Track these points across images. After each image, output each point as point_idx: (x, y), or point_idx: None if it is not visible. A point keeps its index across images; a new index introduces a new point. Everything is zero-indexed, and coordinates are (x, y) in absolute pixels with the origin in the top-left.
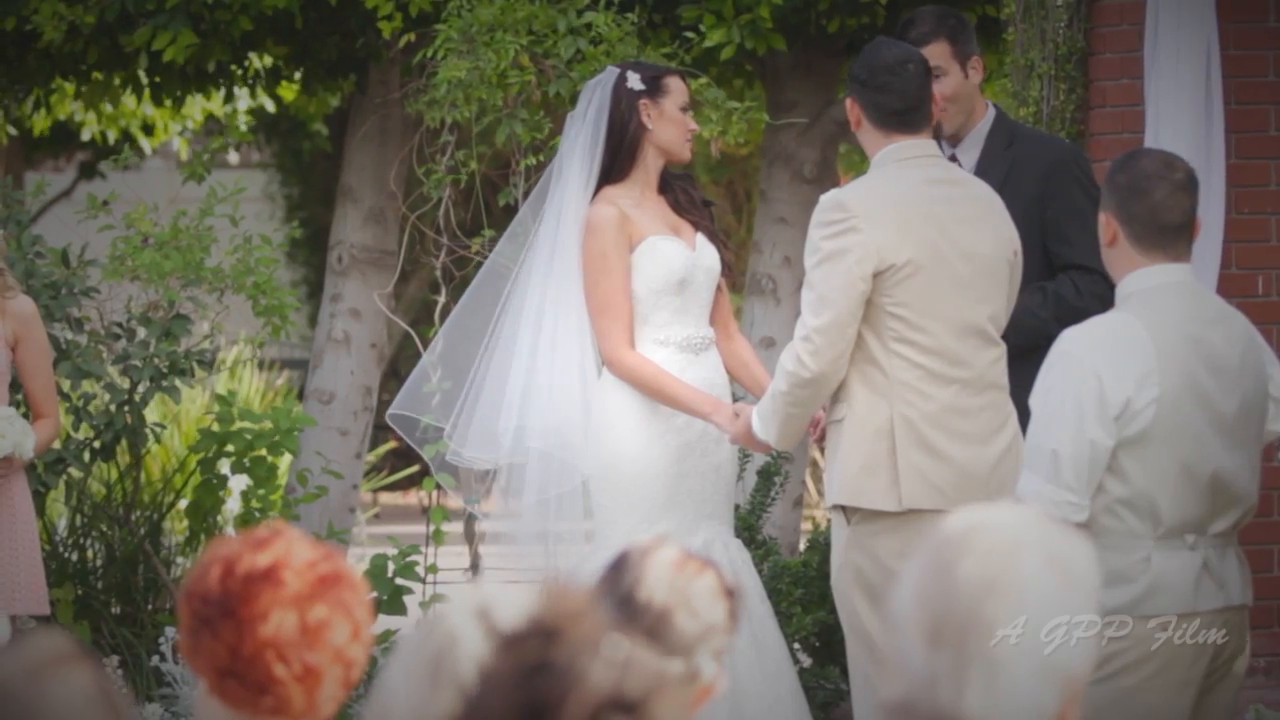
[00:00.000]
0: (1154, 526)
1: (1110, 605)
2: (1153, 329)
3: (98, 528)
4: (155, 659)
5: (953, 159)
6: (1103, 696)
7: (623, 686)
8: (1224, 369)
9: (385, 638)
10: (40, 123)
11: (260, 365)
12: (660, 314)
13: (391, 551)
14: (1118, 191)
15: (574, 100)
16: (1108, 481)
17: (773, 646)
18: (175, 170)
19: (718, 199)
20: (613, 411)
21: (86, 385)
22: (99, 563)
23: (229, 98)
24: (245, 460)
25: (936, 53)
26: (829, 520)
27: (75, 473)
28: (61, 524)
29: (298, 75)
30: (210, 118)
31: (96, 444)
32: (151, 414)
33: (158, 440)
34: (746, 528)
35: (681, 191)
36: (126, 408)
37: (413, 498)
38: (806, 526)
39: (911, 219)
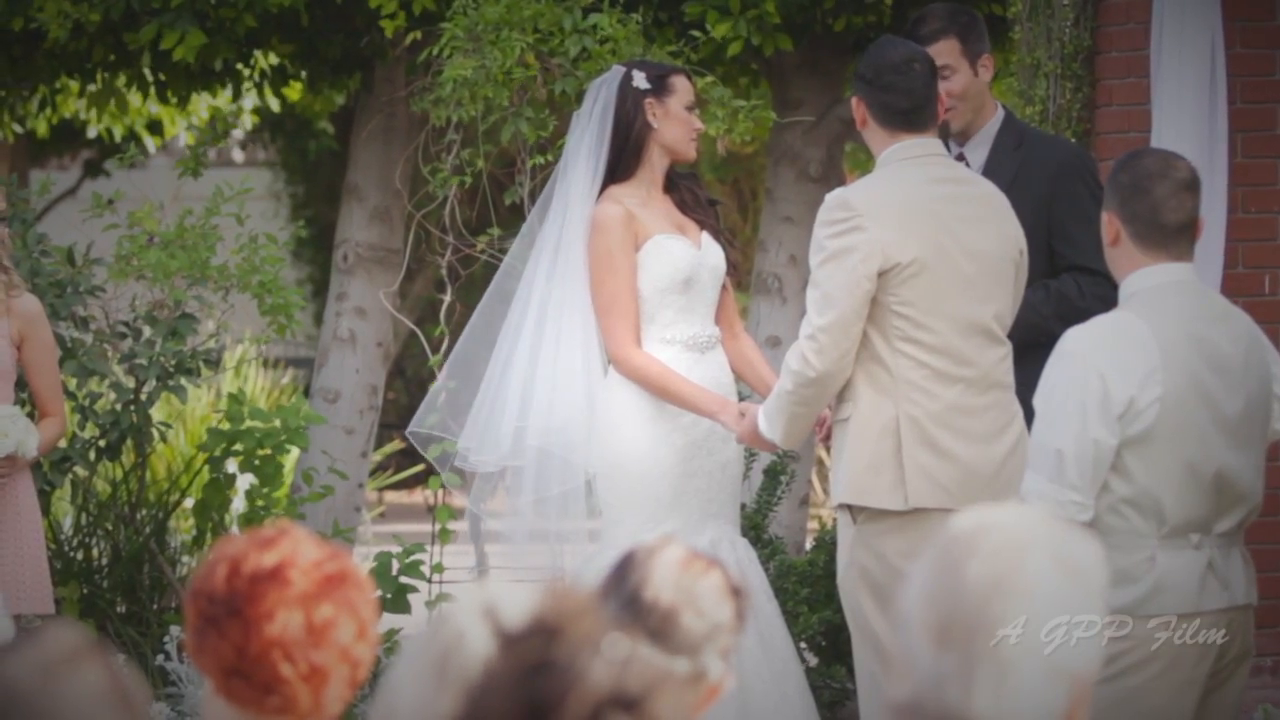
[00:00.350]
0: (1158, 526)
1: (1115, 605)
2: (1156, 328)
3: (103, 527)
4: (161, 658)
5: (960, 157)
6: (1107, 696)
7: (623, 685)
8: (1227, 368)
9: (390, 637)
10: (46, 121)
11: (265, 364)
12: (666, 313)
13: (396, 550)
14: (1120, 190)
15: (580, 99)
16: (1112, 481)
17: (780, 645)
18: (177, 168)
19: (723, 198)
20: (619, 410)
21: (92, 384)
22: (104, 562)
23: (235, 96)
24: (253, 459)
25: (945, 50)
26: (835, 519)
27: (81, 471)
28: (67, 523)
29: (303, 74)
30: (215, 116)
31: (102, 443)
32: (157, 413)
33: (163, 439)
34: (753, 527)
35: (687, 190)
36: (132, 407)
37: (418, 496)
38: (813, 526)
39: (917, 218)
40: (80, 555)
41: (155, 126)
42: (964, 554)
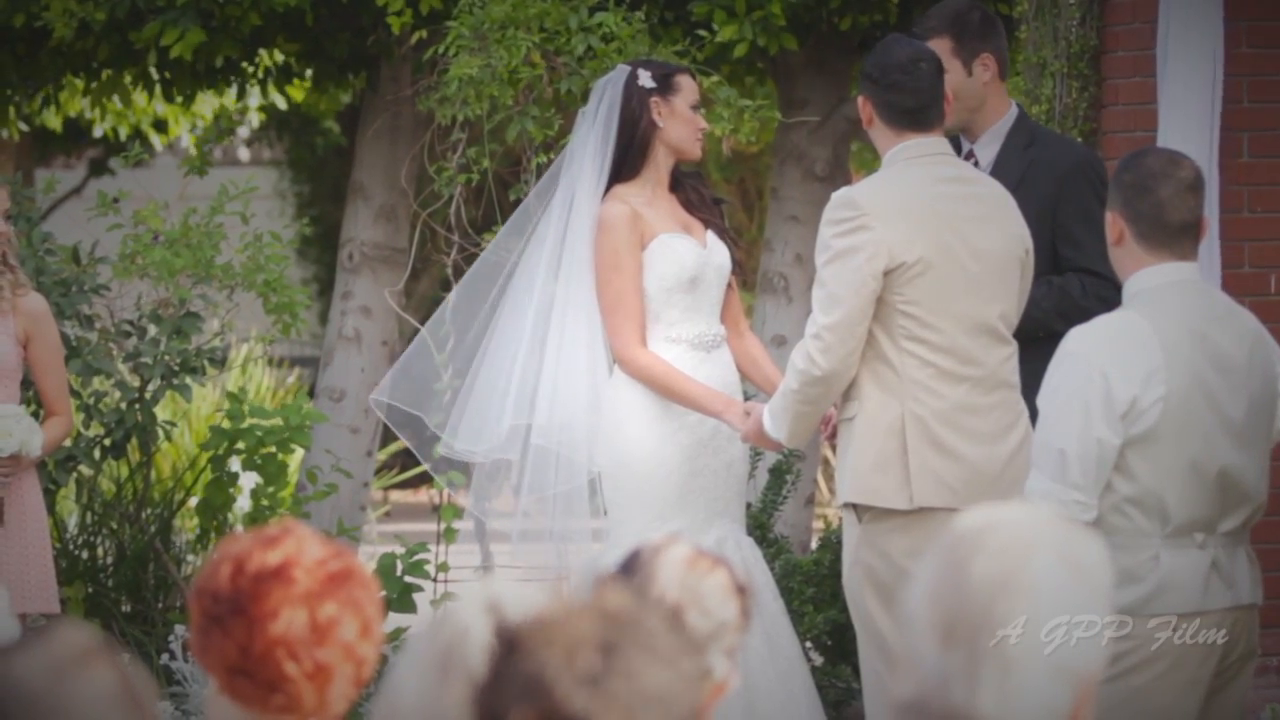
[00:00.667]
0: (1162, 525)
1: (1119, 604)
2: (1159, 327)
3: (108, 526)
4: (165, 657)
5: (970, 155)
6: (1111, 696)
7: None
8: (1231, 367)
9: (395, 636)
10: (51, 120)
11: (271, 363)
12: (671, 311)
13: (401, 550)
14: (1124, 190)
15: (585, 97)
16: (1115, 480)
17: (786, 644)
18: (183, 167)
19: (729, 197)
20: (624, 410)
21: (97, 383)
22: (109, 561)
23: (240, 94)
24: (256, 458)
25: (936, 48)
26: (840, 518)
27: (86, 470)
28: (72, 522)
29: (309, 72)
30: (220, 114)
31: (107, 442)
32: (162, 412)
33: (168, 438)
34: (758, 526)
35: (692, 190)
36: (137, 405)
37: (423, 495)
38: (818, 525)
39: (922, 217)
40: (85, 554)
41: (160, 125)
42: (969, 553)
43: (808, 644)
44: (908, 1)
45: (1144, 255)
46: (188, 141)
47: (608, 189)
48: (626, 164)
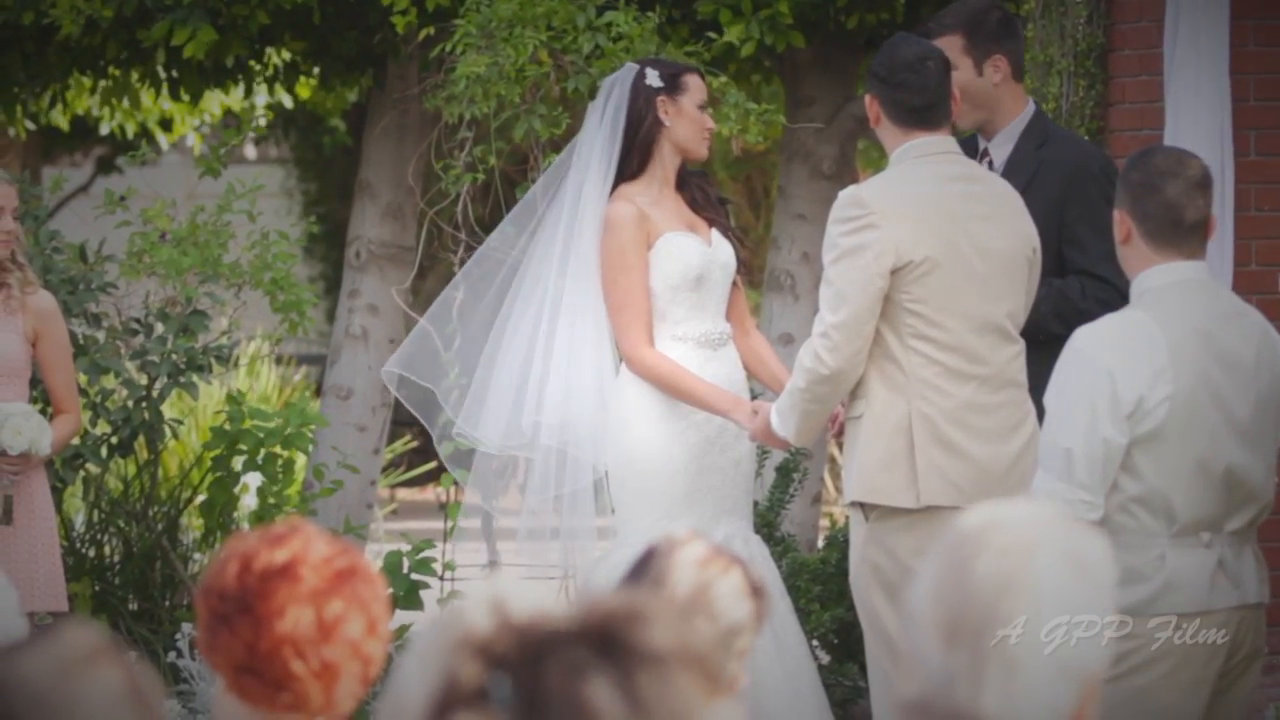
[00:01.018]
0: (1168, 524)
1: (1125, 603)
2: (1166, 326)
3: (115, 524)
4: (172, 655)
5: (985, 153)
6: (1116, 695)
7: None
8: (1238, 366)
9: (401, 633)
10: (58, 118)
11: (278, 361)
12: (677, 310)
13: (407, 548)
14: (1131, 189)
15: (593, 96)
16: (1122, 479)
17: (793, 643)
18: (193, 166)
19: (736, 195)
20: (631, 408)
21: (104, 381)
22: (116, 559)
23: (248, 93)
24: (258, 458)
25: (947, 45)
26: (847, 517)
27: (93, 468)
28: (79, 520)
29: (315, 70)
30: (228, 113)
31: (114, 440)
32: (169, 410)
33: (175, 436)
34: (765, 524)
35: (698, 189)
36: (144, 403)
37: (430, 493)
38: (825, 523)
39: (930, 216)
40: (92, 552)
41: (167, 124)
42: (973, 551)
43: (814, 642)
44: (914, 0)
45: (1151, 254)
46: (194, 140)
47: (614, 188)
48: (632, 163)
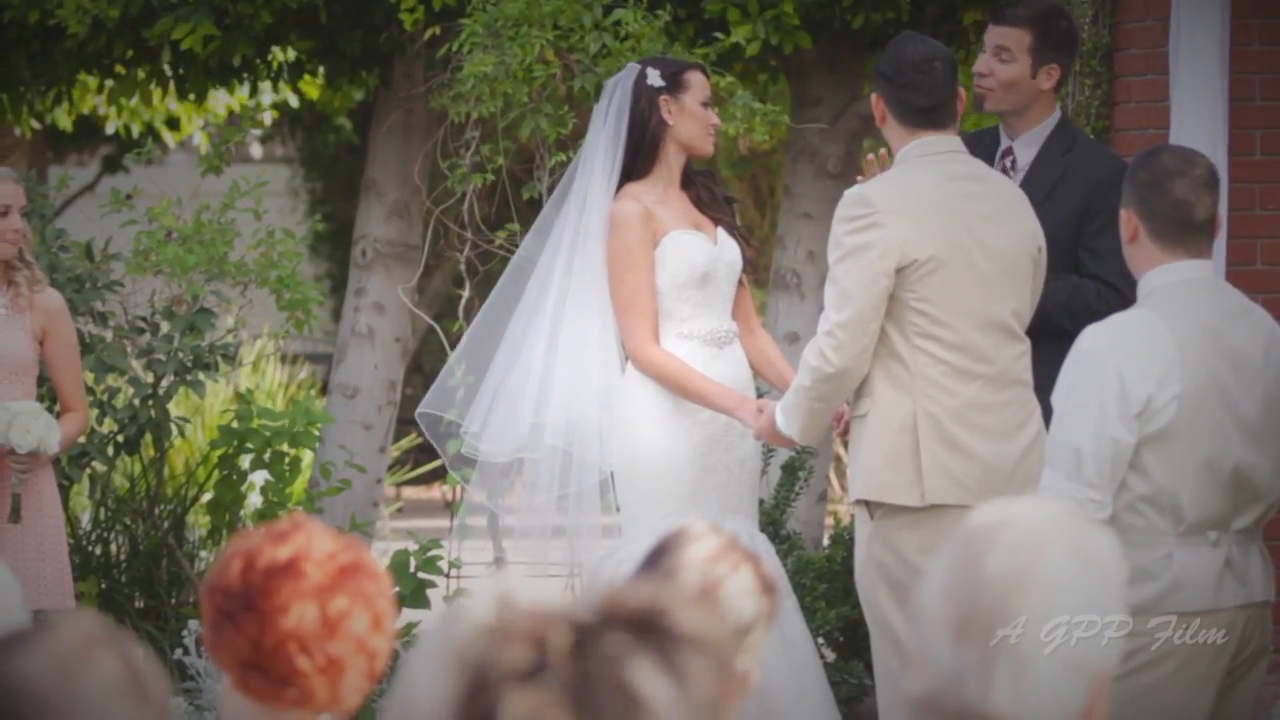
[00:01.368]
0: (1176, 523)
1: (1133, 602)
2: (1174, 325)
3: (121, 521)
4: (179, 652)
5: (1009, 151)
6: (1123, 692)
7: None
8: (1246, 365)
9: (408, 632)
10: (63, 118)
11: (283, 359)
12: (683, 308)
13: (414, 546)
14: (1138, 188)
15: (599, 95)
16: (1130, 478)
17: (799, 640)
18: (199, 165)
19: (741, 194)
20: (637, 406)
21: (111, 379)
22: (122, 557)
23: (253, 92)
24: (265, 456)
25: (1015, 36)
26: (853, 515)
27: (99, 466)
28: (85, 518)
29: (321, 69)
30: (233, 113)
31: (120, 438)
32: (175, 408)
33: (181, 434)
34: (771, 522)
35: (704, 188)
36: (150, 402)
37: (436, 492)
38: (830, 522)
39: (935, 214)
40: (98, 550)
41: (173, 123)
42: (983, 548)
43: (820, 640)
44: None
45: (1158, 253)
46: (200, 139)
47: (620, 188)
48: (637, 163)
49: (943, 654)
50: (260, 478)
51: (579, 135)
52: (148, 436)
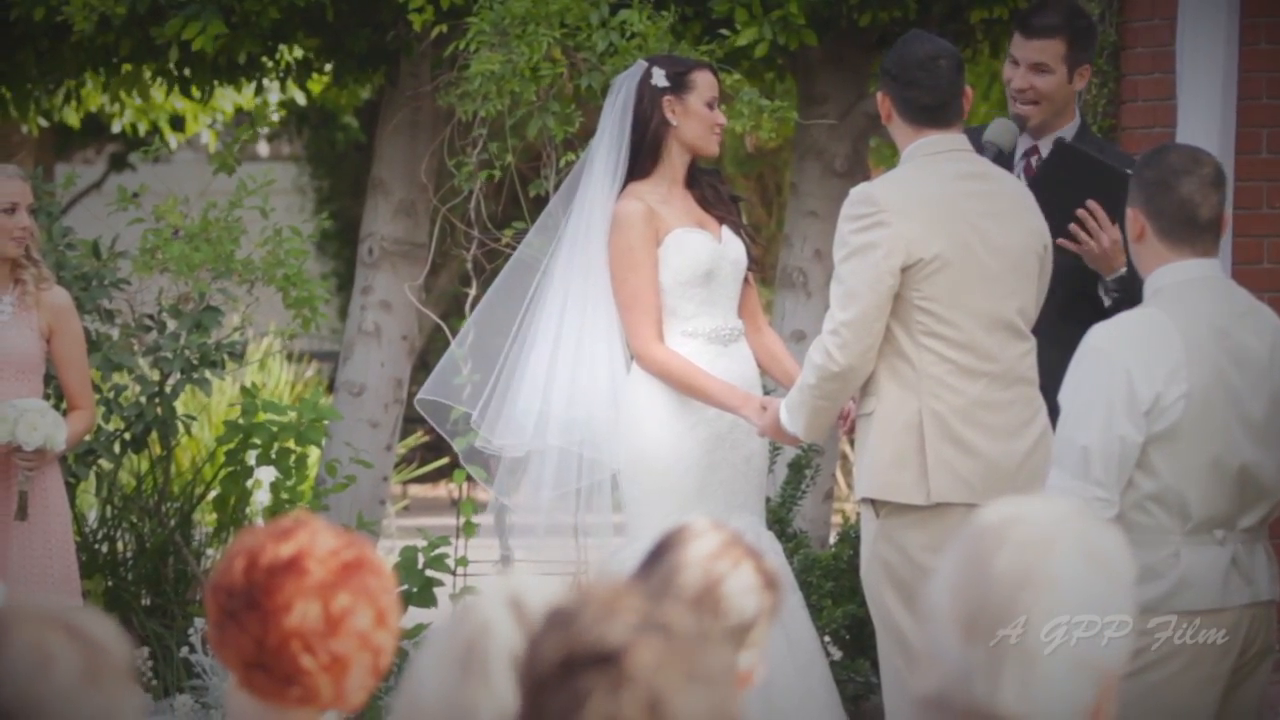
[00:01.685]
0: (1183, 522)
1: (1139, 601)
2: (1181, 324)
3: (128, 519)
4: (185, 650)
5: (1034, 150)
6: (1130, 691)
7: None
8: (1252, 363)
9: (415, 631)
10: (70, 116)
11: (290, 357)
12: (687, 305)
13: (422, 544)
14: (1145, 186)
15: (606, 94)
16: (1137, 477)
17: (805, 638)
18: (205, 163)
19: (748, 192)
20: (643, 405)
21: (117, 377)
22: (129, 554)
23: (259, 90)
24: (271, 453)
25: (1050, 49)
26: (859, 514)
27: (106, 464)
28: (92, 515)
29: (328, 67)
30: (240, 110)
31: (127, 436)
32: (182, 406)
33: (188, 432)
34: (777, 520)
35: (709, 187)
36: (157, 399)
37: (442, 490)
38: (837, 520)
39: (940, 213)
40: (105, 548)
41: (179, 121)
42: (992, 546)
43: (826, 638)
44: None
45: (1165, 252)
46: (207, 138)
47: (624, 186)
48: (641, 162)
49: (951, 652)
50: (267, 475)
51: (586, 134)
52: (154, 434)
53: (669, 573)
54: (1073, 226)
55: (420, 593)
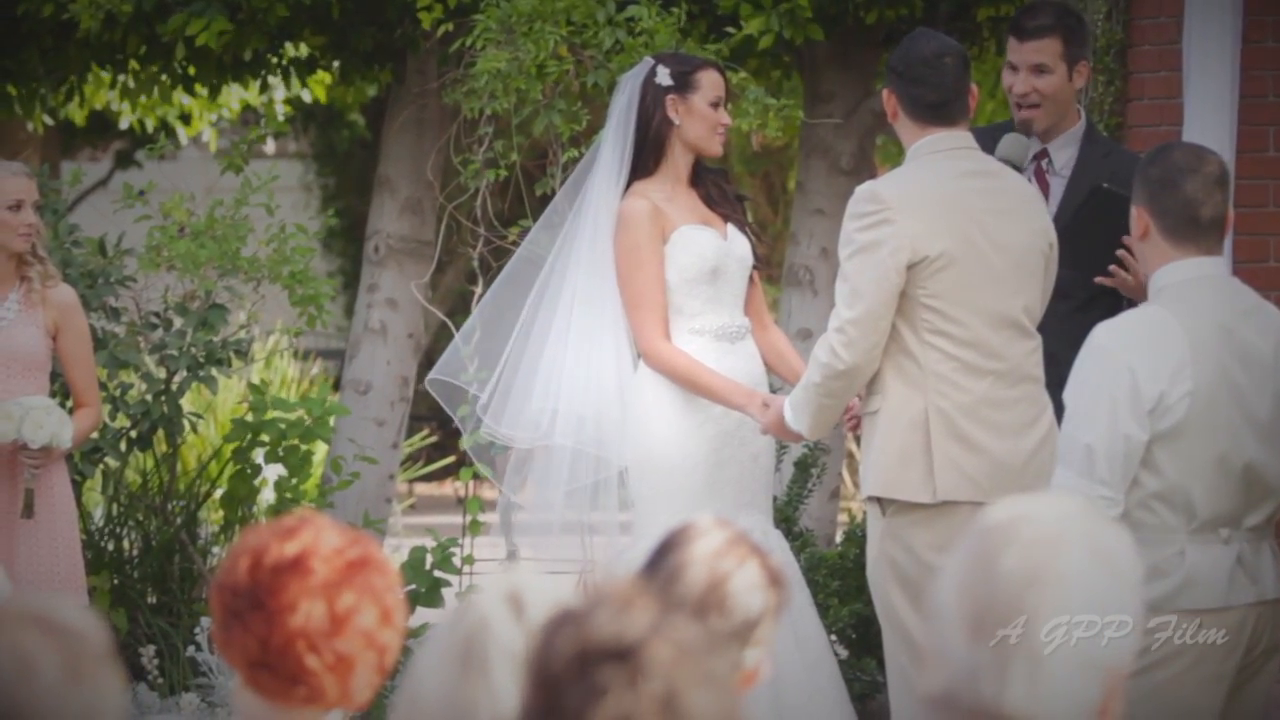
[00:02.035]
0: (1188, 520)
1: (1144, 599)
2: (1185, 322)
3: (134, 517)
4: (191, 649)
5: (1043, 154)
6: (1136, 690)
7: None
8: (1257, 362)
9: (421, 630)
10: (75, 113)
11: (296, 355)
12: (694, 303)
13: (430, 543)
14: (1150, 185)
15: (613, 91)
16: (1142, 476)
17: (812, 636)
18: (211, 160)
19: (754, 190)
20: (650, 402)
21: (123, 375)
22: (135, 552)
23: (264, 87)
24: (279, 450)
25: (1046, 48)
26: (865, 512)
27: (112, 462)
28: (98, 513)
29: (335, 65)
30: (246, 108)
31: (133, 433)
32: (188, 404)
33: (194, 430)
34: (784, 519)
35: (714, 185)
36: (163, 397)
37: (448, 488)
38: (843, 518)
39: (946, 211)
40: (111, 546)
41: (185, 119)
42: (999, 545)
43: (833, 637)
44: None
45: (1169, 250)
46: (210, 136)
47: (629, 185)
48: (645, 160)
49: (958, 651)
50: (273, 473)
51: (592, 131)
52: (160, 432)
53: (674, 571)
54: (1113, 267)
55: (428, 593)
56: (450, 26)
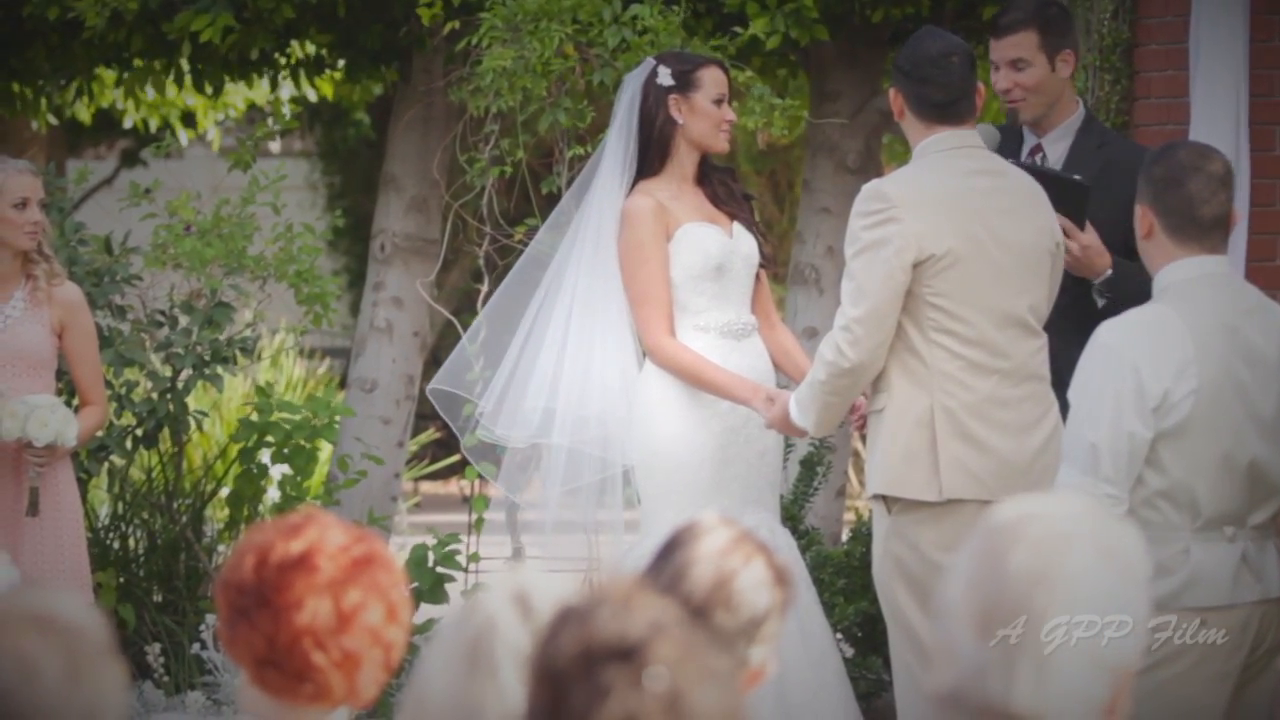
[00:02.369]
0: (1192, 518)
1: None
2: (1190, 321)
3: (139, 515)
4: (196, 646)
5: (1038, 149)
6: (1142, 688)
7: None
8: (1261, 360)
9: (427, 627)
10: (81, 111)
11: (302, 353)
12: (699, 300)
13: (433, 541)
14: (1154, 183)
15: (618, 89)
16: (1146, 474)
17: (818, 634)
18: (217, 158)
19: (760, 189)
20: (656, 400)
21: (129, 373)
22: (141, 550)
23: (272, 86)
24: (285, 450)
25: (1022, 42)
26: (871, 510)
27: (117, 460)
28: (103, 511)
29: (340, 64)
30: (252, 107)
31: (139, 432)
32: (193, 402)
33: (200, 428)
34: (789, 517)
35: (720, 184)
36: (169, 395)
37: (454, 486)
38: (849, 517)
39: (952, 209)
40: (117, 544)
41: (190, 118)
42: (1007, 543)
43: (838, 636)
44: None
45: (1174, 248)
46: (214, 135)
47: (635, 184)
48: (650, 160)
49: (965, 649)
50: (279, 472)
51: (598, 129)
52: (166, 430)
53: (680, 568)
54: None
55: (432, 589)
56: (456, 24)
